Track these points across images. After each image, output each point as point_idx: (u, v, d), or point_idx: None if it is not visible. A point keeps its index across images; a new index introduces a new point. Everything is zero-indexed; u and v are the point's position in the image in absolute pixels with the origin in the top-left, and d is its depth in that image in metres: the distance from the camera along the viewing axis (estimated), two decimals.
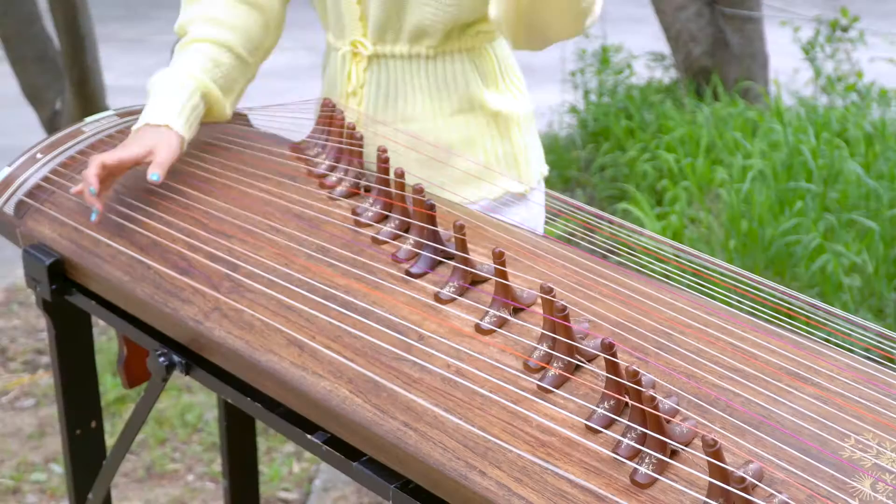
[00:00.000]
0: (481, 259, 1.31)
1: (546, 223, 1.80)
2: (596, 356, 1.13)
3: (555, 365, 1.12)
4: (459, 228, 1.27)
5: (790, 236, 3.68)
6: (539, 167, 1.76)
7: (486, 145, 1.68)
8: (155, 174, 1.48)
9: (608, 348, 1.03)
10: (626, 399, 1.04)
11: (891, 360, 1.22)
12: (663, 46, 6.26)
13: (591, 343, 1.14)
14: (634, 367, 1.00)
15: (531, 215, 1.72)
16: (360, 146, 1.56)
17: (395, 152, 1.60)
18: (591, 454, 1.03)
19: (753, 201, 3.93)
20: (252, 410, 1.35)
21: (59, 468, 2.88)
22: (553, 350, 1.13)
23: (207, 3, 1.66)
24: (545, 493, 1.01)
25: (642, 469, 0.99)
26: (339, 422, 1.21)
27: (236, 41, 1.65)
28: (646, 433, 1.00)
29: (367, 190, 1.51)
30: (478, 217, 1.46)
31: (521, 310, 1.22)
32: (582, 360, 1.12)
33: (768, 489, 0.95)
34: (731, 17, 5.61)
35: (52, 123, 3.90)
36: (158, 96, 1.57)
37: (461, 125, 1.67)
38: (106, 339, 3.50)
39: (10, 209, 1.69)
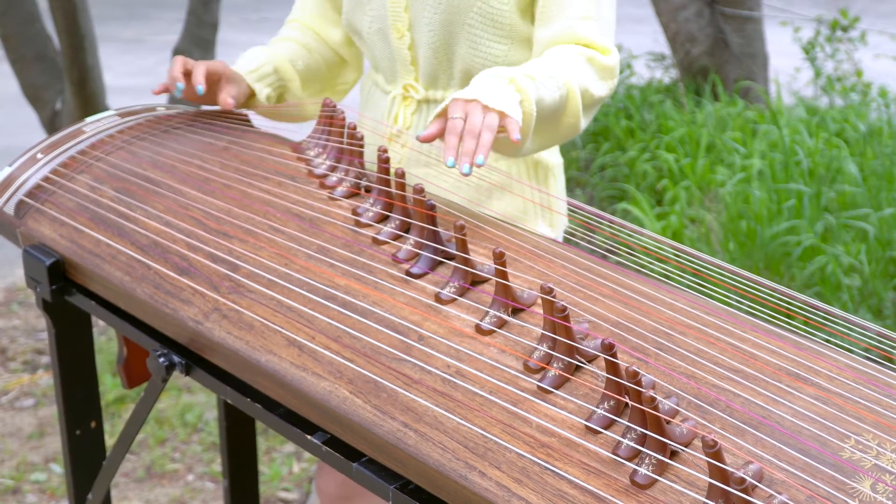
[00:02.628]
0: (481, 259, 1.31)
1: None
2: (596, 357, 1.13)
3: (555, 365, 1.12)
4: (460, 229, 1.28)
5: (788, 236, 3.68)
6: (564, 221, 1.81)
7: (525, 190, 1.72)
8: (198, 86, 1.70)
9: (608, 349, 1.03)
10: (626, 400, 1.04)
11: (890, 360, 1.22)
12: (663, 46, 6.26)
13: (591, 343, 1.14)
14: (634, 368, 1.00)
15: None
16: (361, 146, 1.56)
17: (438, 191, 1.64)
18: (590, 455, 1.03)
19: (750, 202, 3.93)
20: (252, 411, 1.35)
21: (59, 468, 2.88)
22: (553, 350, 1.13)
23: (298, 23, 1.90)
24: (545, 494, 1.01)
25: (642, 470, 0.99)
26: (338, 422, 1.21)
27: (316, 48, 1.86)
28: (646, 434, 1.00)
29: (368, 190, 1.51)
30: (478, 217, 1.46)
31: (522, 310, 1.22)
32: (582, 360, 1.12)
33: (768, 490, 0.95)
34: (731, 17, 5.61)
35: (52, 123, 3.90)
36: (238, 61, 1.83)
37: (503, 169, 1.70)
38: (106, 339, 3.50)
39: (10, 209, 1.69)
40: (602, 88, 1.58)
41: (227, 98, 1.74)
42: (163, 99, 4.25)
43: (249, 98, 1.81)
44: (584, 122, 1.56)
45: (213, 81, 1.75)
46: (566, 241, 1.78)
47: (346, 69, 1.92)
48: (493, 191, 1.70)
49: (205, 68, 1.72)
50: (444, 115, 1.42)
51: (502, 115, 1.37)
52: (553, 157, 1.77)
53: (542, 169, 1.75)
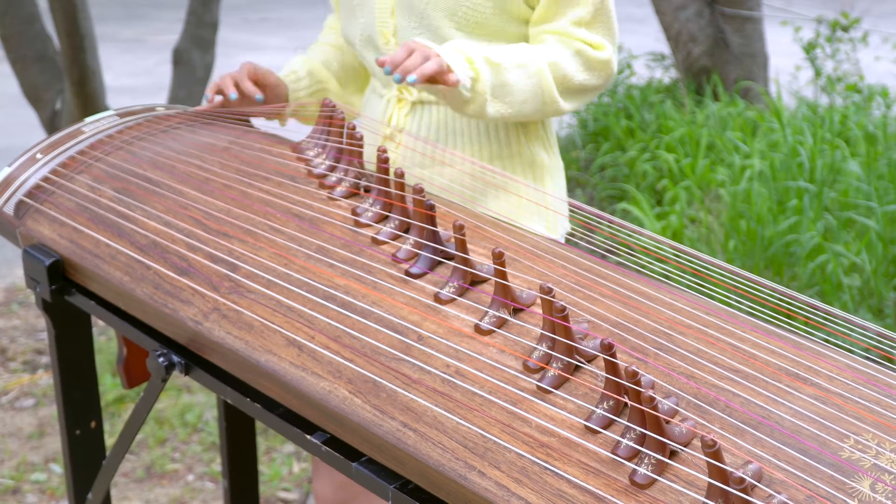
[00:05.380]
0: (481, 259, 1.31)
1: None
2: (595, 356, 1.13)
3: (554, 365, 1.12)
4: (459, 229, 1.27)
5: (789, 236, 3.68)
6: (564, 223, 1.79)
7: (521, 191, 1.73)
8: (259, 96, 1.79)
9: (607, 349, 1.03)
10: (626, 399, 1.04)
11: (890, 361, 1.22)
12: (663, 46, 6.26)
13: (590, 343, 1.14)
14: (633, 368, 1.00)
15: None
16: (360, 146, 1.56)
17: (433, 191, 1.66)
18: (590, 455, 1.03)
19: (752, 202, 3.93)
20: (251, 411, 1.35)
21: (59, 468, 2.88)
22: (552, 350, 1.13)
23: (332, 29, 1.96)
24: (544, 494, 1.01)
25: (641, 470, 0.99)
26: (338, 422, 1.21)
27: (349, 49, 1.91)
28: (645, 434, 1.00)
29: (367, 190, 1.51)
30: (478, 217, 1.46)
31: (521, 310, 1.22)
32: (581, 360, 1.12)
33: (767, 489, 0.95)
34: (731, 17, 5.61)
35: (52, 123, 3.90)
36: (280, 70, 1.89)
37: (498, 171, 1.72)
38: (105, 339, 3.50)
39: (9, 209, 1.69)
40: (589, 78, 1.67)
41: (252, 88, 1.79)
42: (162, 98, 4.24)
43: (286, 99, 1.86)
44: (567, 105, 1.67)
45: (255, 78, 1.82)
46: (566, 241, 1.78)
47: None
48: (487, 190, 1.70)
49: (249, 80, 1.80)
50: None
51: (450, 67, 1.53)
52: (550, 160, 1.78)
53: (539, 169, 1.75)
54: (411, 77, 1.48)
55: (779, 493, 0.95)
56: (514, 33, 1.68)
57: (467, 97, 1.58)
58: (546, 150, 1.76)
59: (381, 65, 1.52)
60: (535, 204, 1.74)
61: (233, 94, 1.76)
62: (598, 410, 1.06)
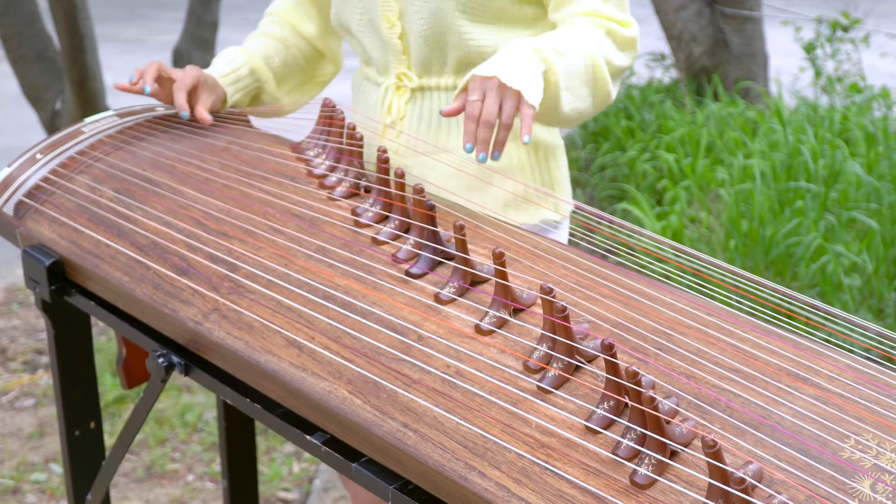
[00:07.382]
0: (481, 259, 1.31)
1: None
2: (596, 357, 1.13)
3: (554, 365, 1.11)
4: (459, 229, 1.27)
5: (791, 237, 3.68)
6: (568, 205, 1.79)
7: (527, 173, 1.71)
8: (184, 114, 1.73)
9: (608, 349, 1.03)
10: (626, 400, 1.04)
11: (891, 361, 1.21)
12: (663, 46, 6.26)
13: (590, 344, 1.14)
14: (634, 368, 1.00)
15: None
16: (360, 146, 1.56)
17: (438, 178, 1.65)
18: (590, 455, 1.03)
19: (753, 201, 3.92)
20: (251, 411, 1.35)
21: (59, 468, 2.88)
22: (553, 351, 1.13)
23: (276, 17, 1.90)
24: (544, 494, 1.01)
25: (642, 470, 0.99)
26: (338, 423, 1.21)
27: (294, 42, 1.88)
28: (645, 434, 1.00)
29: (367, 190, 1.51)
30: (478, 217, 1.46)
31: (521, 310, 1.22)
32: (582, 360, 1.12)
33: (768, 490, 0.95)
34: (731, 17, 5.61)
35: (52, 123, 3.90)
36: (215, 63, 1.83)
37: (503, 153, 1.66)
38: (106, 339, 3.50)
39: (9, 210, 1.68)
40: (624, 59, 1.65)
41: (203, 114, 1.74)
42: None
43: (224, 103, 1.82)
44: (614, 91, 1.63)
45: (191, 89, 1.76)
46: (570, 232, 1.78)
47: (324, 62, 1.94)
48: (493, 177, 1.68)
49: (156, 69, 1.74)
50: (466, 90, 1.47)
51: (519, 97, 1.41)
52: (553, 139, 1.75)
53: (542, 150, 1.73)
54: (496, 155, 1.41)
55: (779, 493, 0.95)
56: (518, 15, 1.65)
57: (540, 96, 1.47)
58: (547, 128, 1.73)
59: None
60: (540, 189, 1.73)
61: (147, 87, 1.73)
62: (599, 411, 1.06)
